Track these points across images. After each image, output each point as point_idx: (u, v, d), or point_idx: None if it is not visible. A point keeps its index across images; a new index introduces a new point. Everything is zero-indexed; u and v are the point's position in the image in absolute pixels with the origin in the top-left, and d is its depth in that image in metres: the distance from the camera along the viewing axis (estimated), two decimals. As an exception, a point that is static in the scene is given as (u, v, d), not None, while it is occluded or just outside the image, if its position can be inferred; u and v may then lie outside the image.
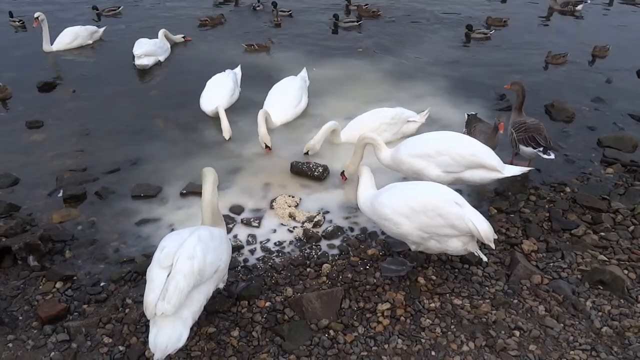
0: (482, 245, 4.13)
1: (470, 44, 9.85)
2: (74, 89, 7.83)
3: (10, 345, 3.68)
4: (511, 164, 5.29)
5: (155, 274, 3.20)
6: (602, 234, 4.77)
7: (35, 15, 8.62)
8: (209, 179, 3.84)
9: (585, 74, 8.57)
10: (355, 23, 10.63)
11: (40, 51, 9.11)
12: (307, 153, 5.94)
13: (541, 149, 5.31)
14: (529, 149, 5.40)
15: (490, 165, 4.74)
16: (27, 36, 10.12)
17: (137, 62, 8.39)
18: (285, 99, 6.79)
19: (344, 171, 5.39)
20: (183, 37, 9.73)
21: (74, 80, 8.15)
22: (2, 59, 9.00)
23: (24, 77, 8.12)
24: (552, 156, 5.32)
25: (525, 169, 4.87)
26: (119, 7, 11.42)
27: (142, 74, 8.41)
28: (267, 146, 6.06)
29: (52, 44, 9.07)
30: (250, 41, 9.42)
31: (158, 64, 8.71)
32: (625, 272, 4.30)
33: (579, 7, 11.83)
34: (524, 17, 11.49)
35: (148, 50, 8.45)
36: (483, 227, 3.80)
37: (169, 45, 9.23)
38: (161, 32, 9.17)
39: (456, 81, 8.08)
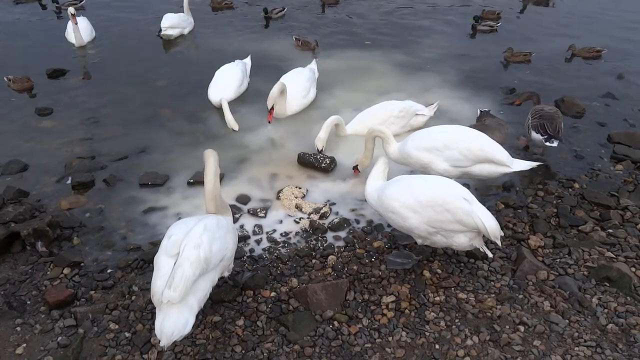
0: (488, 240, 4.11)
1: (476, 37, 9.75)
2: (84, 76, 7.87)
3: (18, 329, 3.73)
4: (527, 147, 5.78)
5: (162, 262, 3.23)
6: (610, 230, 4.74)
7: (71, 12, 8.50)
8: (210, 160, 3.76)
9: (596, 68, 8.46)
10: None
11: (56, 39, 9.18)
12: (321, 151, 5.82)
13: (546, 136, 5.46)
14: (537, 136, 5.55)
15: (498, 159, 4.71)
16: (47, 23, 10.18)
17: (163, 33, 9.06)
18: (293, 89, 6.76)
19: (357, 165, 5.36)
20: None
21: (84, 68, 8.18)
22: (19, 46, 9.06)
23: (35, 63, 8.15)
24: (555, 144, 5.48)
25: (534, 164, 4.83)
26: (80, 1, 10.81)
27: (152, 62, 8.40)
28: (271, 109, 6.16)
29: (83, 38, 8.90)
30: (300, 36, 9.12)
31: (182, 36, 9.36)
32: (633, 269, 4.27)
33: None
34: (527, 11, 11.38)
35: (173, 23, 9.16)
36: (490, 224, 3.78)
37: (192, 20, 9.72)
38: (186, 3, 9.56)
39: (464, 74, 8.01)
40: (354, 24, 10.36)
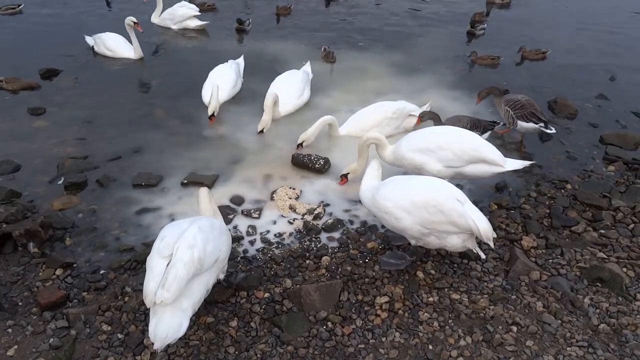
0: (481, 241, 4.13)
1: (472, 40, 9.80)
2: (77, 76, 7.82)
3: (9, 330, 3.70)
4: (502, 134, 6.25)
5: (155, 263, 3.21)
6: (602, 231, 4.77)
7: (133, 20, 8.33)
8: (204, 200, 3.95)
9: (588, 70, 8.52)
10: None
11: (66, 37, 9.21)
12: (301, 144, 5.91)
13: (542, 124, 5.77)
14: (530, 125, 5.82)
15: (491, 159, 4.72)
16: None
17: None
18: (288, 90, 6.77)
19: (347, 174, 5.28)
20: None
21: (77, 68, 8.12)
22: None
23: (26, 62, 8.10)
24: (554, 130, 5.83)
25: (526, 163, 4.85)
26: (19, 5, 10.64)
27: (145, 63, 8.36)
28: (260, 131, 6.15)
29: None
30: (328, 47, 8.66)
31: (175, 36, 9.55)
32: (624, 269, 4.31)
33: None
34: (524, 12, 11.46)
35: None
36: (483, 226, 3.79)
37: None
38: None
39: (459, 75, 8.06)
40: (349, 26, 10.39)
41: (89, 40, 8.71)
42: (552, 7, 12.13)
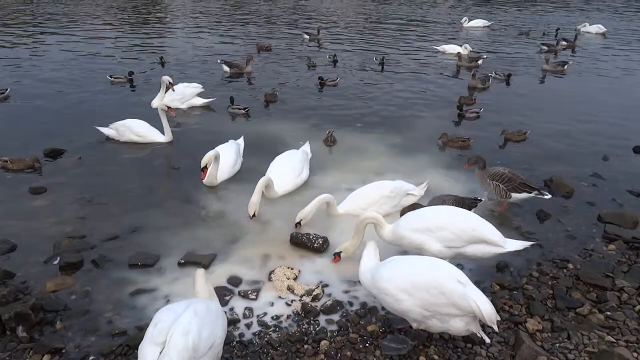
0: (485, 324, 4.00)
1: (462, 122, 10.12)
2: (80, 155, 7.96)
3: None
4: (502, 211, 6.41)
5: (147, 352, 3.09)
6: (608, 313, 4.65)
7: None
8: (200, 281, 3.91)
9: (581, 150, 8.73)
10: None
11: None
12: (299, 223, 5.92)
13: (536, 192, 6.08)
14: (524, 195, 6.13)
15: (491, 240, 4.71)
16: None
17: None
18: (286, 169, 6.89)
19: (340, 252, 5.23)
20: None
21: (79, 149, 8.26)
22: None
23: (30, 143, 8.28)
24: (549, 195, 6.15)
25: (527, 244, 4.83)
26: (6, 90, 10.79)
27: (150, 145, 8.55)
28: (250, 215, 6.10)
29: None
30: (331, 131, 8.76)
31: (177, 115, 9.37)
32: (635, 354, 4.14)
33: (566, 67, 13.60)
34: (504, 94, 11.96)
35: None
36: (486, 308, 3.70)
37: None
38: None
39: (454, 156, 8.23)
40: (347, 107, 10.77)
41: (106, 130, 8.58)
42: (534, 89, 12.68)
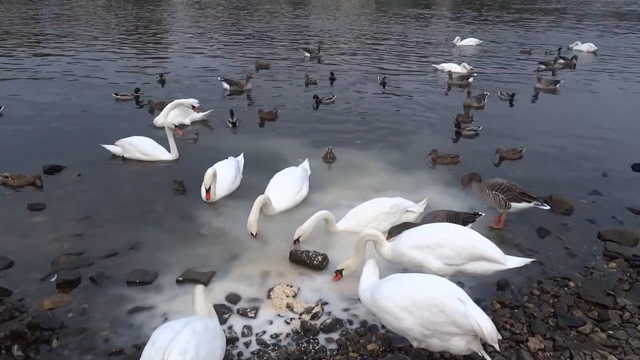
0: (486, 343, 3.96)
1: (460, 139, 10.15)
2: (80, 172, 7.95)
3: None
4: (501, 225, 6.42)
5: (144, 371, 3.06)
6: (611, 332, 4.60)
7: (175, 124, 8.67)
8: (199, 299, 3.89)
9: (579, 167, 8.74)
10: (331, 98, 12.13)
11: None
12: (297, 240, 5.89)
13: (536, 201, 6.11)
14: (523, 204, 6.14)
15: (491, 257, 4.69)
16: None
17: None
18: (286, 186, 6.90)
19: (341, 270, 5.18)
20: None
21: (79, 165, 8.26)
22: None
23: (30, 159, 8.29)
24: (548, 206, 6.24)
25: (527, 260, 4.81)
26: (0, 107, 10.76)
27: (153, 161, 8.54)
28: (252, 234, 6.07)
29: None
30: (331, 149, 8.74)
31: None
32: (638, 374, 4.10)
33: (558, 86, 13.73)
34: (502, 109, 12.03)
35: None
36: (487, 327, 3.67)
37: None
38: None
39: (453, 173, 8.24)
40: (346, 124, 10.82)
41: (112, 148, 8.58)
42: (529, 107, 12.74)
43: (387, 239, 5.20)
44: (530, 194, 6.17)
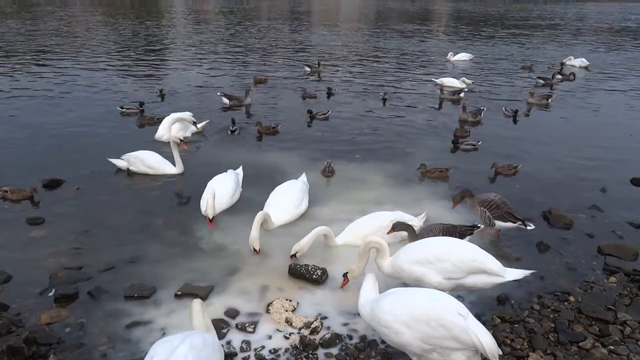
0: (486, 359, 3.93)
1: (458, 153, 10.18)
2: (79, 186, 7.95)
3: None
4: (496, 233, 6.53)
5: (142, 386, 3.03)
6: (612, 347, 4.57)
7: (180, 138, 8.63)
8: (197, 313, 3.87)
9: (577, 182, 8.74)
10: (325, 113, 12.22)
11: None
12: (295, 255, 5.87)
13: (520, 222, 6.08)
14: (508, 224, 6.16)
15: (491, 269, 4.68)
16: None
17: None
18: (286, 200, 6.90)
19: (347, 273, 5.20)
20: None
21: (82, 178, 8.25)
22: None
23: (32, 173, 8.29)
24: (532, 227, 6.15)
25: (527, 272, 4.80)
26: None
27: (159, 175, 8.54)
28: (255, 250, 6.03)
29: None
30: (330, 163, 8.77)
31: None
32: (640, 390, 4.07)
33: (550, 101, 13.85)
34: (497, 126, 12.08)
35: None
36: (487, 342, 3.65)
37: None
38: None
39: (452, 186, 8.25)
40: (345, 138, 10.86)
41: (118, 162, 8.57)
42: (524, 122, 12.77)
43: (389, 233, 5.77)
44: (516, 215, 6.16)
